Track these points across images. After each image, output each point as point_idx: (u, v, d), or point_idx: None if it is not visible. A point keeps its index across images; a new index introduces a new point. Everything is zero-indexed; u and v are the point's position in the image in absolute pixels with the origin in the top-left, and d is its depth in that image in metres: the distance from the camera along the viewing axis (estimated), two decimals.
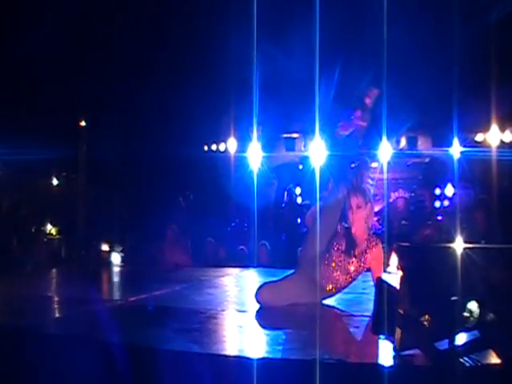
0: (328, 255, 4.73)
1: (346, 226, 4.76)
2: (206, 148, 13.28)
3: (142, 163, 10.72)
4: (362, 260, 4.67)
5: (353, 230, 4.74)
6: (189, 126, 11.91)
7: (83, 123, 12.32)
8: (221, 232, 9.09)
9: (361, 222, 4.73)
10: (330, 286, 4.73)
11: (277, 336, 4.05)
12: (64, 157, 10.94)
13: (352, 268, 4.69)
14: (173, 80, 11.25)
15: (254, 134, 11.03)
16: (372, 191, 5.19)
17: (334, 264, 4.69)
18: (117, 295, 5.47)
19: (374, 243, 4.68)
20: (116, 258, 7.33)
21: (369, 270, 4.75)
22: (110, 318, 4.54)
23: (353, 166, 5.29)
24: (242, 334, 4.19)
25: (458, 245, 5.53)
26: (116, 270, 7.04)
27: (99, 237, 8.09)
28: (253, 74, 9.31)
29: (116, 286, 6.09)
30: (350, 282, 4.80)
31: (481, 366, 3.43)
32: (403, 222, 10.87)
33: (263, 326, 4.36)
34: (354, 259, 4.67)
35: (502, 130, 11.44)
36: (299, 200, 12.30)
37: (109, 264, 7.24)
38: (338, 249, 4.72)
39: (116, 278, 6.52)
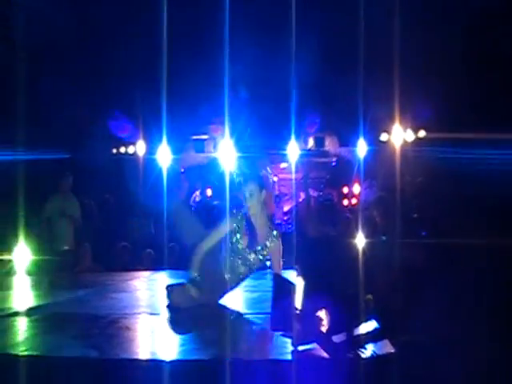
0: (229, 247, 4.75)
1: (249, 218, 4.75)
2: (114, 151, 13.03)
3: (49, 167, 10.38)
4: (262, 252, 4.72)
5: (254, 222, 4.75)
6: (97, 129, 11.68)
7: None
8: (128, 235, 8.92)
9: (262, 217, 4.75)
10: (231, 276, 4.76)
11: (177, 337, 4.02)
12: None
13: (252, 259, 4.72)
14: (82, 82, 11.02)
15: (163, 136, 10.92)
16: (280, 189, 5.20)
17: (239, 257, 4.71)
18: (14, 302, 5.24)
19: (273, 237, 4.71)
20: (17, 264, 7.04)
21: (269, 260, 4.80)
22: (4, 326, 4.36)
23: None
24: (141, 337, 4.14)
25: (358, 240, 5.68)
26: (16, 276, 6.75)
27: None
28: (162, 76, 9.23)
29: (15, 293, 5.83)
30: (250, 273, 4.85)
31: (377, 356, 3.52)
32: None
33: (163, 328, 4.31)
34: (253, 255, 4.70)
35: (405, 129, 11.87)
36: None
37: (8, 270, 6.94)
38: (240, 243, 4.72)
39: (15, 285, 6.24)
